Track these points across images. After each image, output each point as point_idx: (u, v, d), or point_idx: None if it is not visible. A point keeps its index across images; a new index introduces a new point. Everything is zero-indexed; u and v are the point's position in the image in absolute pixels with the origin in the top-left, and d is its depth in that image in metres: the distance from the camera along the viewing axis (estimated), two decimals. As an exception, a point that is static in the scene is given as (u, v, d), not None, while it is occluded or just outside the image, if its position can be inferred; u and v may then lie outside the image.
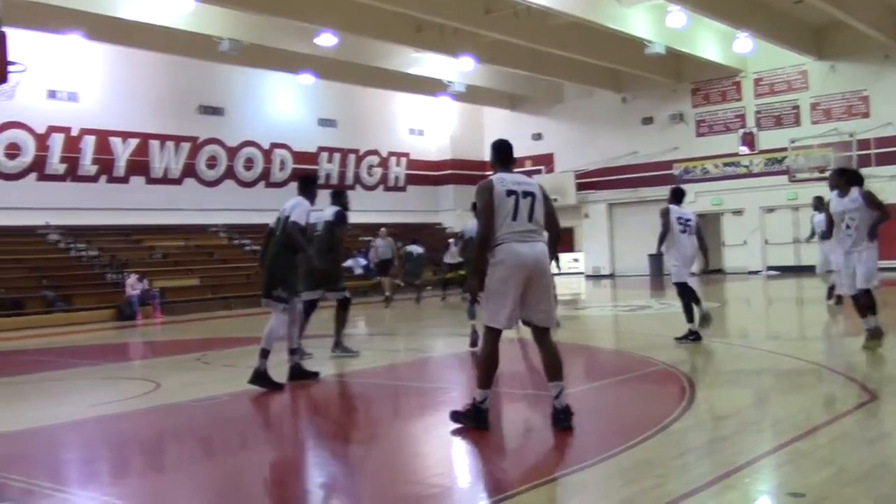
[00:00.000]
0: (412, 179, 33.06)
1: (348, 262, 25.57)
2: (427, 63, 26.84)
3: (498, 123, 33.80)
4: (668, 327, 10.43)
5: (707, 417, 6.04)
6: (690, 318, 10.06)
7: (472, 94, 30.33)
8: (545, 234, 5.78)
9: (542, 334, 5.70)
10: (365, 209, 30.50)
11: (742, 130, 28.56)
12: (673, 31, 23.44)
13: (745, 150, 28.54)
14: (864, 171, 25.50)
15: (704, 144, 29.32)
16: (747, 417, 6.04)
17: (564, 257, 33.91)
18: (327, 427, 6.34)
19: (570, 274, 32.68)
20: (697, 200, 29.11)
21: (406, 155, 32.91)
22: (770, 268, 27.82)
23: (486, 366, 5.68)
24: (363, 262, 25.61)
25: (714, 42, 26.40)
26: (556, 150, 32.76)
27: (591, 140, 31.25)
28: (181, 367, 10.40)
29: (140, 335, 16.75)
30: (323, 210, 9.82)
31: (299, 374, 8.23)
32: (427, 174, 33.52)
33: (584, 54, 25.41)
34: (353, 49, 24.27)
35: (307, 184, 8.36)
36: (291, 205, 8.09)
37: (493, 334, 5.64)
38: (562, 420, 5.52)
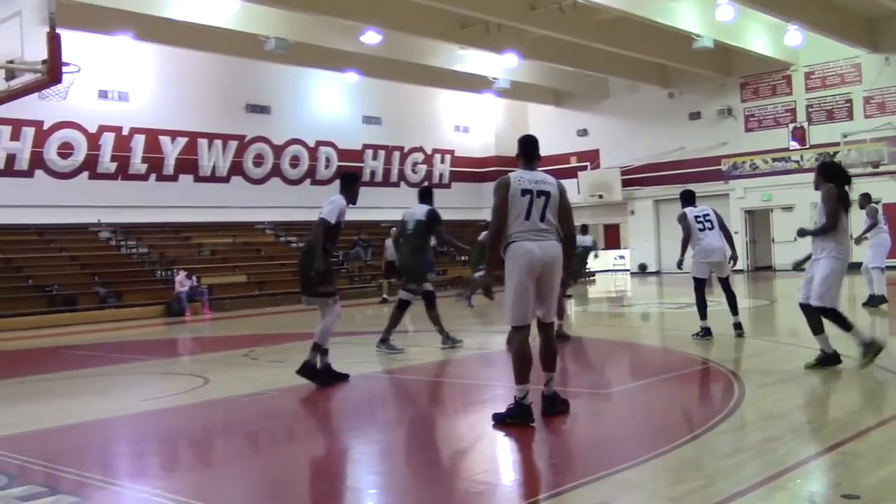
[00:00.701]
0: (457, 176, 33.09)
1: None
2: (471, 60, 26.83)
3: (543, 120, 33.73)
4: (716, 325, 10.30)
5: (756, 417, 5.95)
6: (704, 315, 10.12)
7: (517, 91, 30.24)
8: (559, 233, 5.89)
9: (545, 327, 5.94)
10: (410, 206, 30.63)
11: (792, 125, 28.10)
12: (721, 24, 23.15)
13: (795, 145, 28.09)
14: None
15: (753, 139, 28.92)
16: (797, 418, 5.94)
17: (611, 254, 33.83)
18: (373, 423, 6.38)
19: (616, 271, 32.50)
20: (746, 196, 28.75)
21: (451, 152, 32.95)
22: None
23: (519, 362, 5.79)
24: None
25: (763, 35, 26.00)
26: (602, 146, 32.55)
27: (638, 136, 30.99)
28: (230, 362, 10.52)
29: (189, 331, 17.00)
30: (412, 209, 10.32)
31: (325, 375, 8.03)
32: (472, 171, 33.52)
33: (630, 49, 25.20)
34: (397, 46, 24.36)
35: (348, 182, 8.21)
36: (327, 202, 7.98)
37: (522, 331, 5.79)
38: (549, 406, 5.90)
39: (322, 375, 7.97)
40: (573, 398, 6.38)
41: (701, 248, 10.21)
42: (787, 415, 5.90)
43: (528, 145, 6.16)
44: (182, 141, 25.64)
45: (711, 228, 10.15)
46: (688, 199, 10.55)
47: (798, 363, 7.76)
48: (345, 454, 5.78)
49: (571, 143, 33.06)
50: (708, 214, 10.25)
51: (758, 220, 29.49)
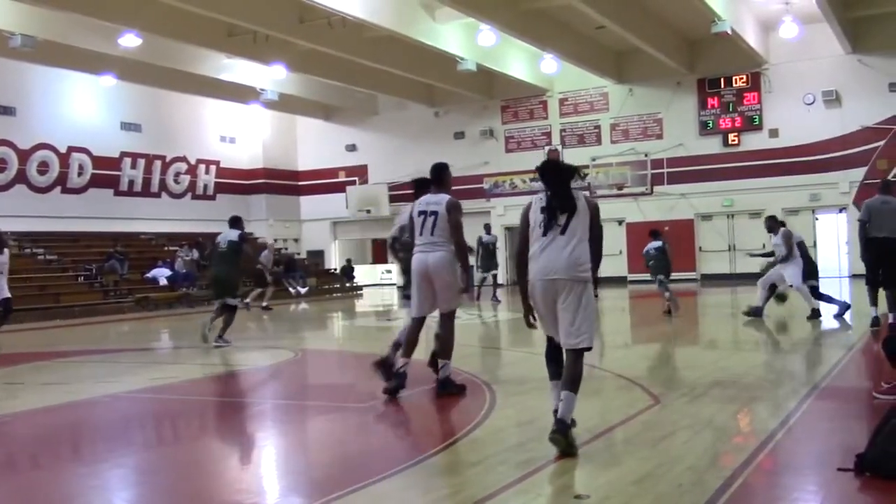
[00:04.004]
0: (222, 188, 32.19)
1: (151, 272, 24.72)
2: (239, 69, 26.31)
3: (312, 133, 33.73)
4: (475, 337, 10.68)
5: (507, 424, 6.24)
6: None
7: (286, 103, 29.99)
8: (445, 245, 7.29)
9: (441, 319, 7.48)
10: (171, 217, 29.53)
11: (548, 147, 29.82)
12: (484, 48, 24.18)
13: (550, 166, 29.82)
14: (657, 188, 27.64)
15: (513, 160, 30.35)
16: (543, 423, 6.29)
17: (378, 268, 34.30)
18: (117, 445, 6.05)
19: (384, 285, 32.93)
20: (507, 214, 30.10)
21: (216, 163, 32.02)
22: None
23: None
24: (167, 272, 24.78)
25: (523, 61, 27.45)
26: (370, 162, 32.95)
27: (405, 152, 31.59)
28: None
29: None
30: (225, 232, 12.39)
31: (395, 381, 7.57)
32: (238, 182, 32.78)
33: (398, 68, 25.74)
34: (159, 51, 23.41)
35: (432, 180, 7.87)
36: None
37: (416, 322, 7.63)
38: (441, 387, 7.37)
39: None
40: (332, 413, 6.40)
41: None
42: (534, 421, 6.23)
43: (432, 172, 7.59)
44: None
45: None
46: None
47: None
48: (80, 481, 5.44)
49: (340, 158, 33.26)
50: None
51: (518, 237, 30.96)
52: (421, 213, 7.34)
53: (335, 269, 32.63)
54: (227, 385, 9.40)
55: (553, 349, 5.44)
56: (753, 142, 27.03)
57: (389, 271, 33.44)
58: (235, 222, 12.67)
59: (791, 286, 13.12)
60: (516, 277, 5.71)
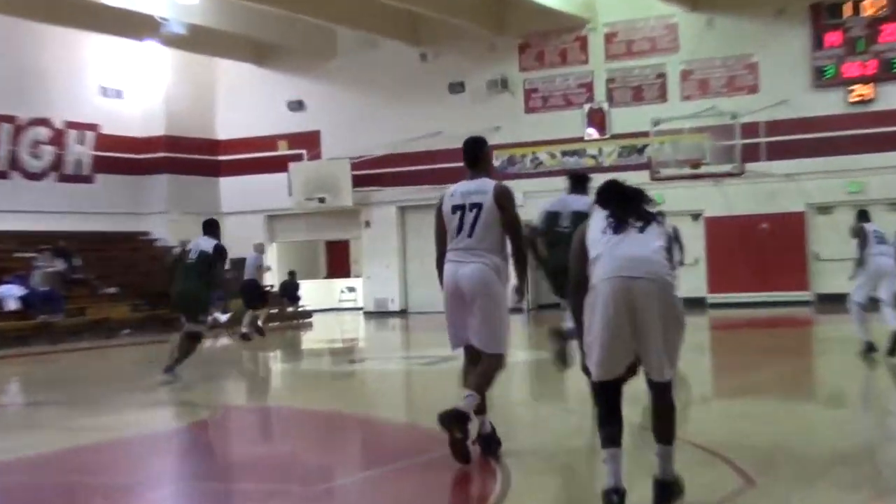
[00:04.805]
0: (104, 165, 32.04)
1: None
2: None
3: (238, 85, 33.67)
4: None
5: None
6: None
7: (199, 40, 29.85)
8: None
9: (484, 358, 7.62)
10: (23, 209, 29.36)
11: (589, 106, 29.83)
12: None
13: (592, 133, 29.84)
14: (750, 166, 27.59)
15: (537, 124, 30.35)
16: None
17: (335, 285, 34.29)
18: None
19: (344, 309, 32.91)
20: (527, 204, 30.00)
21: (95, 128, 31.89)
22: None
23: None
24: (18, 290, 24.68)
25: (551, -21, 27.52)
26: (325, 128, 32.94)
27: (377, 114, 31.53)
28: None
29: None
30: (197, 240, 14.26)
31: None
32: (128, 157, 32.63)
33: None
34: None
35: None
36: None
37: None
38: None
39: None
40: (274, 498, 6.38)
41: None
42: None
43: (465, 148, 8.17)
44: None
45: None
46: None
47: (576, 438, 8.20)
48: None
49: (281, 122, 33.17)
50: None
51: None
52: (456, 207, 7.65)
53: (272, 287, 32.56)
54: (108, 460, 9.35)
55: (614, 402, 5.74)
56: (894, 97, 26.97)
57: (352, 289, 33.38)
58: (211, 228, 14.38)
59: None
60: (568, 300, 6.37)
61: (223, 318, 26.12)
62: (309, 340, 24.77)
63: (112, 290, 26.95)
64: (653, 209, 6.00)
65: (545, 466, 7.61)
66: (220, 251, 14.02)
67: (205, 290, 13.98)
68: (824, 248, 27.42)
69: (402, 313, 31.52)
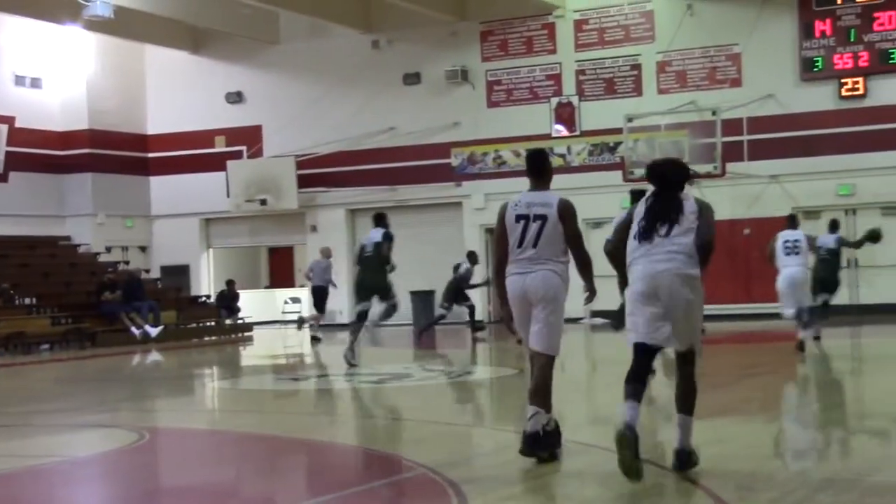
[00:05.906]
0: (18, 162, 31.81)
1: None
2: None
3: (170, 75, 33.57)
4: (436, 407, 10.71)
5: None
6: None
7: (126, 24, 29.74)
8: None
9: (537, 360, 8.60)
10: None
11: (557, 100, 29.96)
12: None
13: (561, 129, 29.93)
14: (733, 166, 27.73)
15: (500, 119, 30.47)
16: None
17: (278, 295, 34.21)
18: None
19: (287, 322, 32.83)
20: (488, 207, 30.03)
21: (10, 121, 31.71)
22: (595, 314, 28.16)
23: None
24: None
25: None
26: (267, 122, 33.01)
27: (324, 108, 31.58)
28: None
29: None
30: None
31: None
32: (46, 154, 32.44)
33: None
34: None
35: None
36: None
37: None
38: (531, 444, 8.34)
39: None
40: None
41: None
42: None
43: (528, 161, 8.91)
44: None
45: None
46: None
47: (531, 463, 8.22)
48: None
49: (217, 115, 33.21)
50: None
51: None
52: (520, 217, 8.47)
53: (207, 297, 32.44)
54: (22, 490, 9.28)
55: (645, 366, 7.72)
56: (889, 92, 27.35)
57: (297, 300, 33.29)
58: (381, 220, 17.90)
59: None
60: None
61: (154, 331, 26.06)
62: (249, 356, 24.66)
63: (28, 300, 26.73)
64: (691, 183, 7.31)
65: (504, 494, 7.60)
66: (387, 236, 17.44)
67: (385, 275, 17.65)
68: (812, 256, 27.52)
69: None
